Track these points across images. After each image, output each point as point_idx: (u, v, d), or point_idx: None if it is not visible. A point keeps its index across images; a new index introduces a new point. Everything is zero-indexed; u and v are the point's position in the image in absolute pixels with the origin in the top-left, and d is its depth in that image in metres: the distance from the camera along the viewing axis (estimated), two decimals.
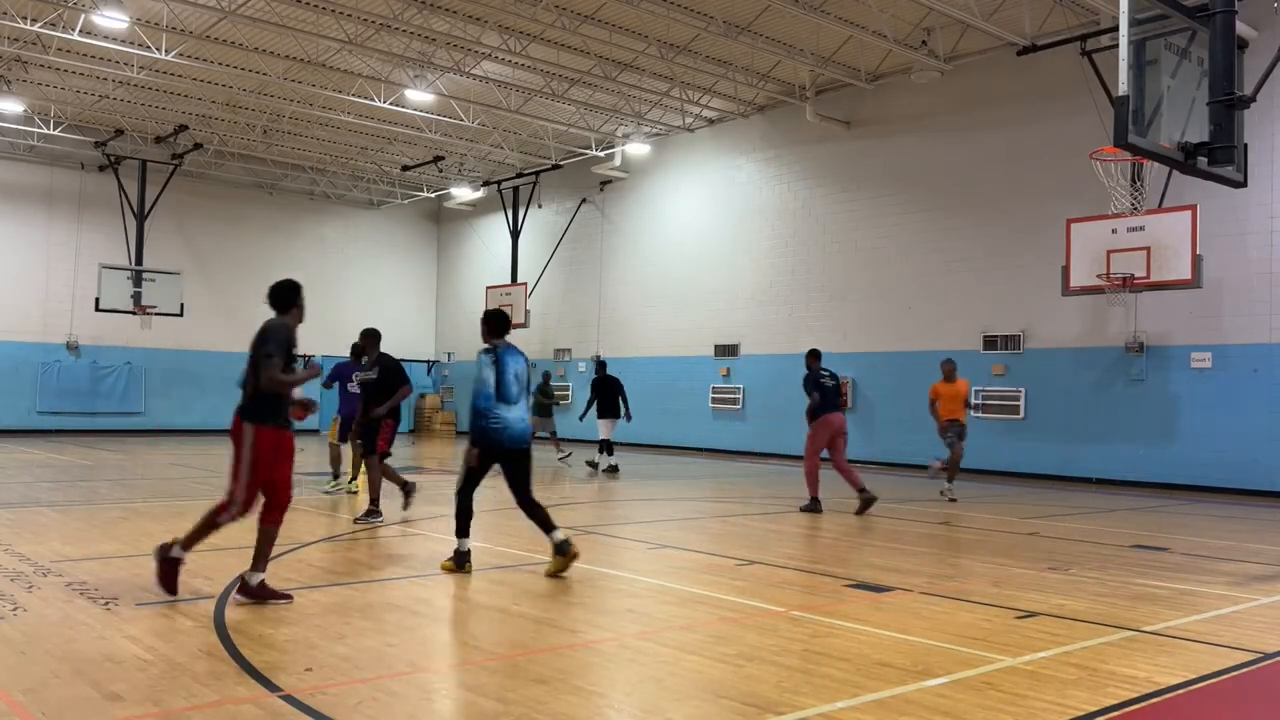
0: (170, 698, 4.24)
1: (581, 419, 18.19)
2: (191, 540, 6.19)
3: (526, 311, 26.16)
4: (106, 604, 5.95)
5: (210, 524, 6.20)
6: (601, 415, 17.32)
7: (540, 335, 28.23)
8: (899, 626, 5.84)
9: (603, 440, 17.30)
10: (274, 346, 6.08)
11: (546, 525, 7.25)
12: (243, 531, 9.09)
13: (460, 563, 7.35)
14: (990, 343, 18.47)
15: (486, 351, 7.14)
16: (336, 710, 4.13)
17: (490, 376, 7.01)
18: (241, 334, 28.38)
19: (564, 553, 7.17)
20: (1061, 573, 7.88)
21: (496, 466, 7.24)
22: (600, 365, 18.13)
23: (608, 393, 17.33)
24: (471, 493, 7.31)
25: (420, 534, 9.44)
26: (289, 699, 4.25)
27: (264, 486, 6.24)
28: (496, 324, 7.33)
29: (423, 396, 32.59)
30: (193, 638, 5.23)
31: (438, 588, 6.99)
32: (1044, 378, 17.72)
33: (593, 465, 17.41)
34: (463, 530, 7.34)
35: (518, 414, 7.14)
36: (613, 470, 17.08)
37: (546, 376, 19.67)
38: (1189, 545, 9.70)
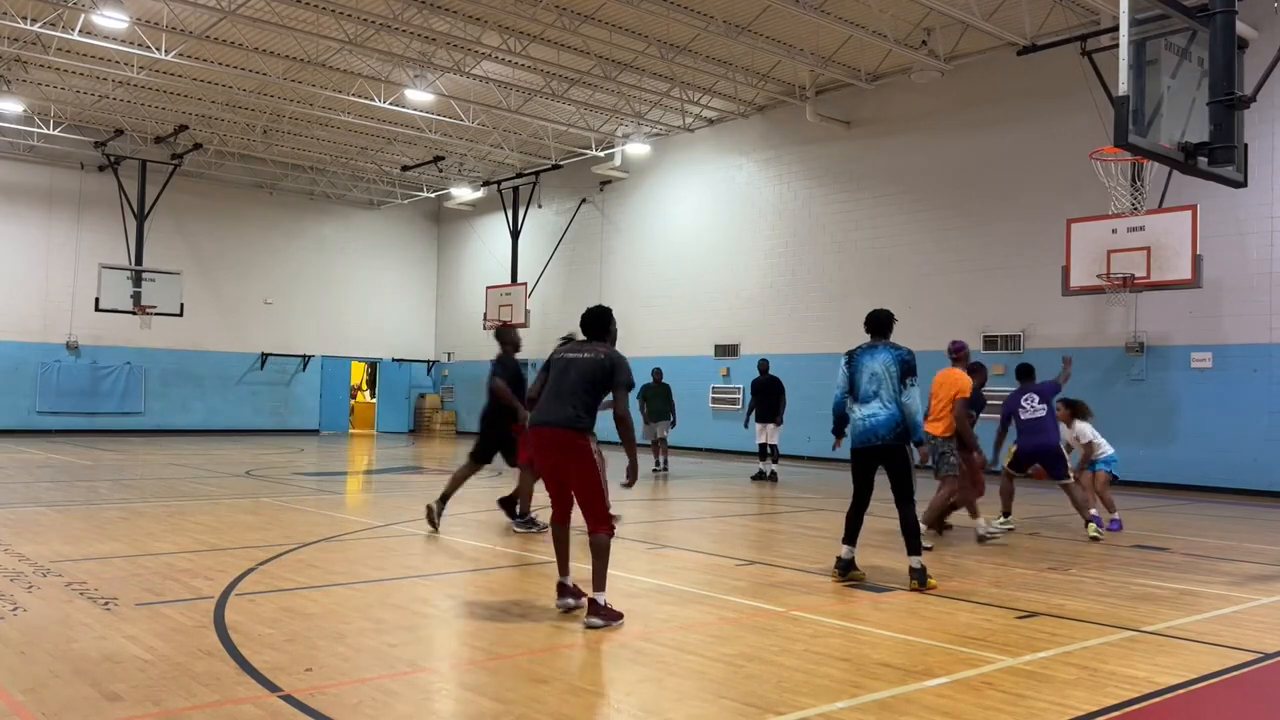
0: (170, 698, 4.24)
1: (746, 425, 17.69)
2: (602, 578, 5.89)
3: (526, 311, 26.17)
4: (106, 604, 5.95)
5: (608, 550, 5.98)
6: (760, 419, 16.69)
7: (540, 335, 28.18)
8: (899, 626, 5.84)
9: (761, 444, 16.69)
10: (629, 377, 6.06)
11: (910, 546, 7.12)
12: (243, 531, 9.10)
13: (842, 570, 7.28)
14: (990, 342, 18.46)
15: (846, 353, 7.46)
16: (336, 710, 4.13)
17: (840, 378, 7.36)
18: (241, 334, 28.74)
19: (919, 580, 7.03)
20: (1061, 573, 7.88)
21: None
22: (763, 365, 17.33)
23: (768, 396, 16.66)
24: (860, 502, 7.28)
25: (420, 534, 9.44)
26: (289, 699, 4.25)
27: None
28: (868, 323, 7.50)
29: (423, 396, 32.59)
30: (193, 638, 5.23)
31: (438, 588, 6.99)
32: (1044, 377, 17.65)
33: (763, 476, 16.47)
34: (846, 536, 7.34)
35: (864, 412, 7.15)
36: (764, 477, 16.34)
37: (656, 374, 17.83)
38: (1189, 545, 9.69)
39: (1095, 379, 17.02)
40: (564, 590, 6.13)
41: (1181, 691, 4.67)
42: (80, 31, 17.83)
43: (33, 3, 17.09)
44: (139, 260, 25.35)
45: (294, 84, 20.63)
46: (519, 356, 10.30)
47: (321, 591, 6.58)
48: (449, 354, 32.57)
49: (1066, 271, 15.48)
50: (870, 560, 8.34)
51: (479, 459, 9.92)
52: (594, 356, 6.02)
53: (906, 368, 7.16)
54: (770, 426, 16.58)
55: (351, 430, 31.66)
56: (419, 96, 21.36)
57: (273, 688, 4.40)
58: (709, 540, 9.61)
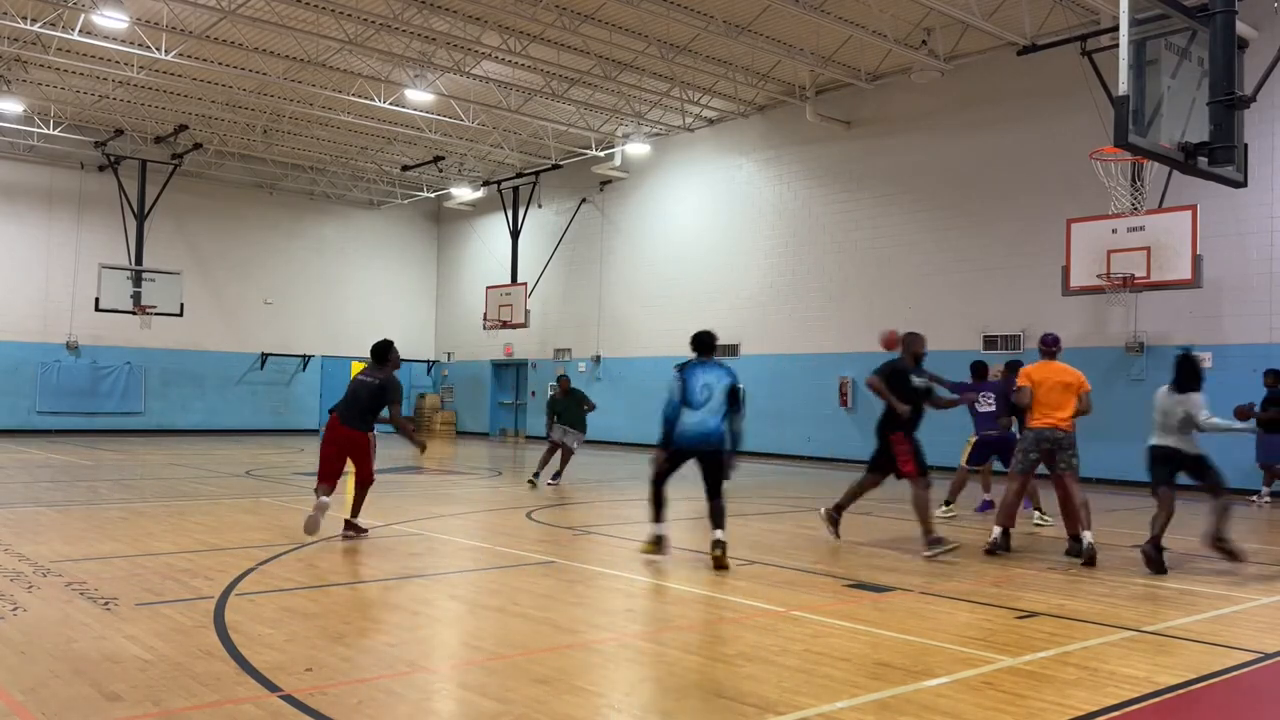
0: (170, 698, 4.24)
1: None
2: (358, 509, 9.12)
3: (526, 311, 26.16)
4: (106, 604, 5.95)
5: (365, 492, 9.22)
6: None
7: (540, 335, 28.22)
8: (899, 626, 5.83)
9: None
10: (398, 395, 9.27)
11: (718, 523, 7.89)
12: (243, 531, 9.11)
13: (658, 545, 8.07)
14: (990, 342, 18.46)
15: (676, 367, 8.20)
16: (336, 710, 4.13)
17: (675, 389, 8.01)
18: (241, 334, 28.72)
19: (722, 550, 7.71)
20: (1061, 573, 7.88)
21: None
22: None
23: None
24: (661, 485, 8.18)
25: (420, 534, 9.44)
26: (289, 699, 4.25)
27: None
28: (696, 343, 8.25)
29: (423, 396, 32.60)
30: (193, 638, 5.23)
31: (438, 588, 7.00)
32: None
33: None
34: (656, 516, 8.13)
35: (697, 418, 7.84)
36: None
37: (563, 383, 15.25)
38: (1189, 545, 9.69)
39: (1095, 379, 16.92)
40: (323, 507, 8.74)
41: (1181, 691, 4.67)
42: (80, 31, 17.82)
43: (33, 3, 17.09)
44: (139, 260, 25.35)
45: (294, 84, 20.63)
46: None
47: (321, 591, 6.58)
48: (449, 354, 32.58)
49: (1066, 271, 15.47)
50: (871, 561, 8.35)
51: (877, 470, 9.20)
52: (373, 382, 8.96)
53: (735, 391, 7.98)
54: None
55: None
56: (419, 96, 21.35)
57: (273, 688, 4.40)
58: (709, 540, 9.60)
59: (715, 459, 7.91)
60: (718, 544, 7.74)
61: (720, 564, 7.67)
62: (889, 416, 8.99)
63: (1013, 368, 11.53)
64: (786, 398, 22.04)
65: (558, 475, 14.42)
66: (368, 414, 8.94)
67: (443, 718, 4.25)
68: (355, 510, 9.01)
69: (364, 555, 8.22)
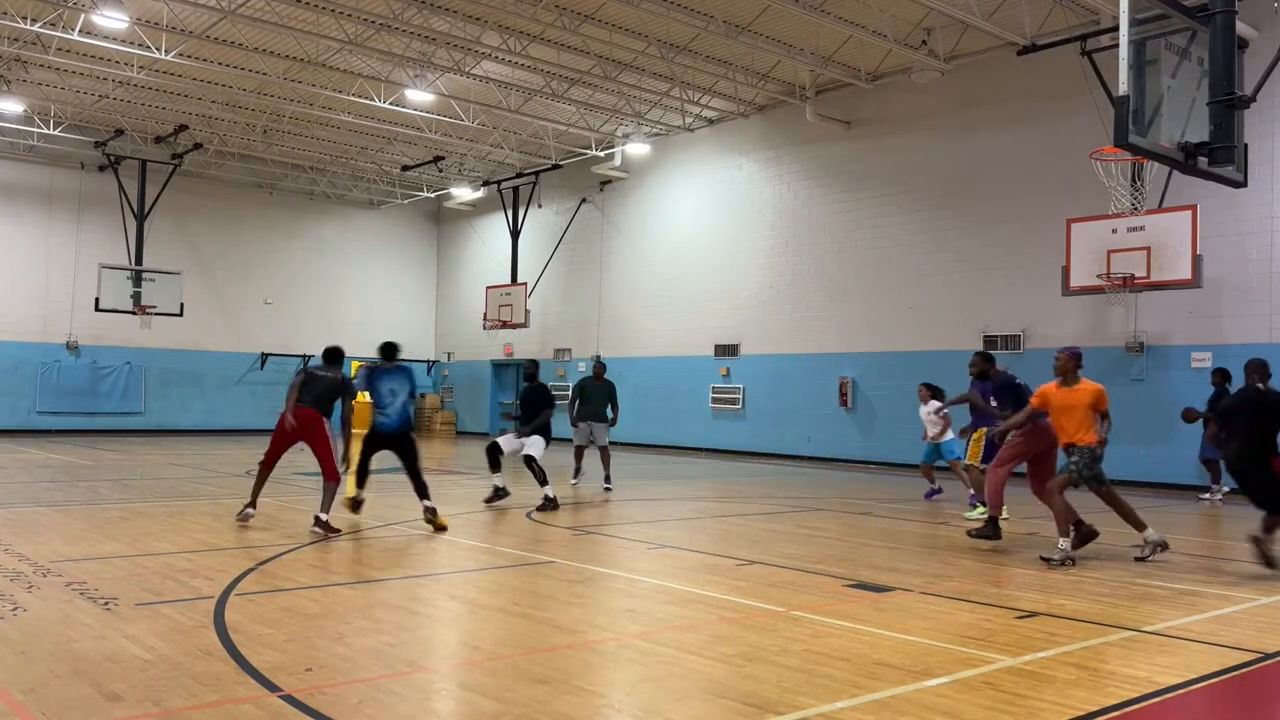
0: (170, 698, 4.24)
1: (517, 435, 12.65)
2: (328, 505, 9.43)
3: (526, 311, 26.16)
4: (106, 604, 5.95)
5: (334, 490, 9.71)
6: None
7: (540, 335, 28.22)
8: (899, 626, 5.84)
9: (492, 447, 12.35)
10: (353, 389, 10.47)
11: (421, 494, 9.86)
12: (243, 531, 9.11)
13: (354, 506, 10.23)
14: (990, 343, 18.45)
15: (365, 367, 10.36)
16: (336, 710, 4.13)
17: (360, 383, 10.37)
18: (241, 334, 28.73)
19: (433, 516, 9.62)
20: (1061, 573, 7.88)
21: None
22: (530, 369, 13.01)
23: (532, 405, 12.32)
24: (367, 460, 10.32)
25: (419, 534, 9.45)
26: (289, 699, 4.25)
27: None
28: (381, 352, 10.55)
29: (422, 396, 32.61)
30: (193, 638, 5.23)
31: (438, 588, 7.00)
32: (1045, 377, 17.57)
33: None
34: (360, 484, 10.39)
35: (381, 418, 10.20)
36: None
37: (598, 370, 14.67)
38: (1189, 545, 9.69)
39: (1095, 379, 16.96)
40: (249, 514, 9.86)
41: (1181, 691, 4.67)
42: (80, 31, 17.82)
43: (33, 3, 17.08)
44: (139, 260, 25.34)
45: (294, 84, 20.63)
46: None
47: (321, 591, 6.57)
48: (449, 354, 32.58)
49: (1066, 271, 15.47)
50: (870, 560, 8.35)
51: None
52: (332, 377, 10.02)
53: (414, 392, 10.41)
54: (535, 439, 11.98)
55: (352, 430, 31.62)
56: (419, 96, 21.35)
57: (273, 688, 4.40)
58: (709, 540, 9.61)
59: (402, 444, 10.08)
60: (429, 510, 9.58)
61: (438, 526, 9.44)
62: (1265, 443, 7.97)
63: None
64: (786, 398, 22.04)
65: (606, 481, 14.01)
66: (322, 400, 9.89)
67: (443, 718, 4.25)
68: (324, 506, 9.33)
69: (364, 555, 8.23)
